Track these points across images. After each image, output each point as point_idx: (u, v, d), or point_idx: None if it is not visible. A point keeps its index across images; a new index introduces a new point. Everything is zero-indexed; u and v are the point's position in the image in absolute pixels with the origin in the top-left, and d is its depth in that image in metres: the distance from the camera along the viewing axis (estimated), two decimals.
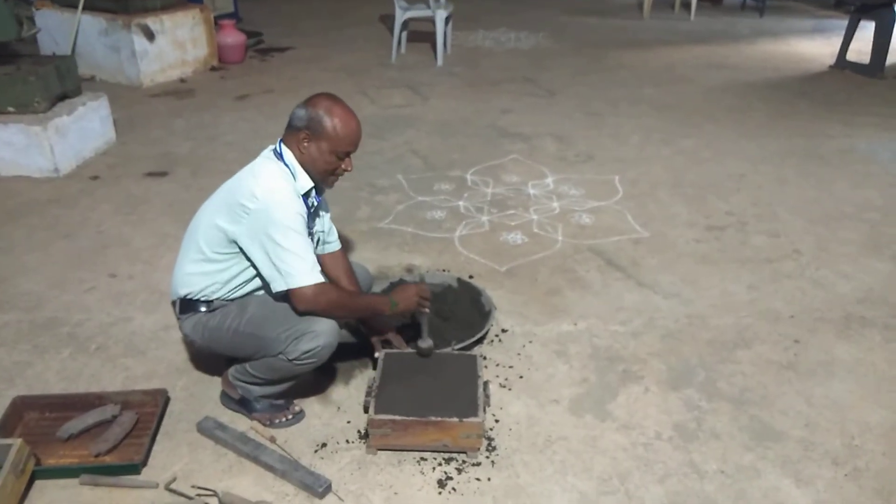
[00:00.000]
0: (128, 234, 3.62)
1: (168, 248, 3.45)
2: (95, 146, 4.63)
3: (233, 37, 6.92)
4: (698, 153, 4.86)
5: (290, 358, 2.16)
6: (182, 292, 2.28)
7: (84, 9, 5.88)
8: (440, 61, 7.07)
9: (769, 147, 4.98)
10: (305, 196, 2.22)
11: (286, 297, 2.13)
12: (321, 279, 2.12)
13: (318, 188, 2.31)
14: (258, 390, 2.35)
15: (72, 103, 4.48)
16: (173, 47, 6.28)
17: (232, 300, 2.28)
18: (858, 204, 4.11)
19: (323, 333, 2.15)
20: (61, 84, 4.44)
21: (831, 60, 7.15)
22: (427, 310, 2.41)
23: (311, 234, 2.31)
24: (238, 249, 2.18)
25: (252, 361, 2.27)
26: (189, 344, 2.64)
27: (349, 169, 2.25)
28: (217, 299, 2.26)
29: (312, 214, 2.32)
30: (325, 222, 2.48)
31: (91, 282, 3.20)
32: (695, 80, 6.69)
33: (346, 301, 2.25)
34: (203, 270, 2.24)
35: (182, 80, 6.36)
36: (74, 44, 6.02)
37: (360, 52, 7.48)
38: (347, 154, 2.22)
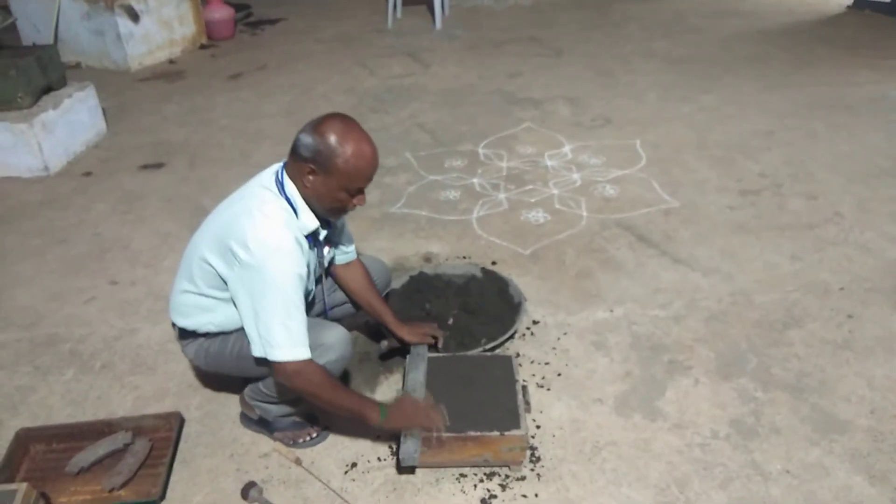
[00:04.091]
0: (126, 235, 3.41)
1: (170, 249, 3.25)
2: (86, 139, 4.39)
3: (220, 11, 6.61)
4: (721, 109, 4.61)
5: None
6: (180, 322, 2.08)
7: None
8: (439, 24, 6.77)
9: (794, 99, 4.71)
10: (311, 236, 1.95)
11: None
12: (304, 356, 1.84)
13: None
14: (276, 409, 2.16)
15: (57, 96, 4.22)
16: (159, 27, 5.99)
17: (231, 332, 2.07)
18: None
19: (334, 346, 1.95)
20: (44, 76, 4.18)
21: (849, 0, 6.81)
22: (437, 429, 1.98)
23: (316, 274, 2.10)
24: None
25: (265, 380, 2.08)
26: (195, 367, 2.46)
27: (362, 204, 1.91)
28: (216, 333, 2.07)
29: (317, 246, 2.06)
30: (341, 238, 2.23)
31: (91, 291, 3.01)
32: (707, 29, 6.39)
33: (325, 393, 1.88)
34: (199, 305, 2.02)
35: (171, 62, 6.08)
36: (56, 30, 5.73)
37: (354, 20, 7.17)
38: (360, 191, 1.88)
